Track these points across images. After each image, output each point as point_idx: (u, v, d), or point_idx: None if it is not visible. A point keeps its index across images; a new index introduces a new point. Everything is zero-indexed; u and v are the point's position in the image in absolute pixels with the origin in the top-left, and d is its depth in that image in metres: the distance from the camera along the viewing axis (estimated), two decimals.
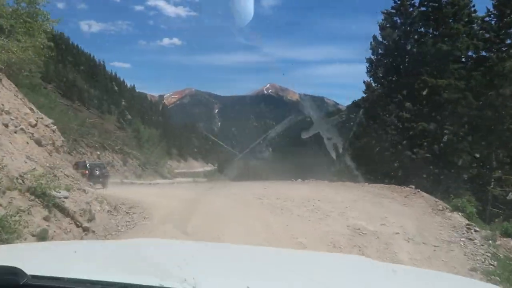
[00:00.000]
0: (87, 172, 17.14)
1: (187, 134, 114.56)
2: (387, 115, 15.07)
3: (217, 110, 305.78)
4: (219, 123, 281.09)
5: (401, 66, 16.00)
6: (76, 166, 18.17)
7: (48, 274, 1.04)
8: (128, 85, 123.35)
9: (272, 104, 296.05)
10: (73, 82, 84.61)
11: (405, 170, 14.81)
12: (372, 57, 16.72)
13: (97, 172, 17.63)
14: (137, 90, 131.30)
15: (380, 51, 16.50)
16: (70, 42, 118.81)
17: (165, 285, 0.95)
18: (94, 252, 1.65)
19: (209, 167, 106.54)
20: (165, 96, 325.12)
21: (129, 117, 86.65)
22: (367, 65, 16.64)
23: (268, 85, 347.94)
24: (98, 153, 46.26)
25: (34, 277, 0.99)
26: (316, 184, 14.32)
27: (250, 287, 0.99)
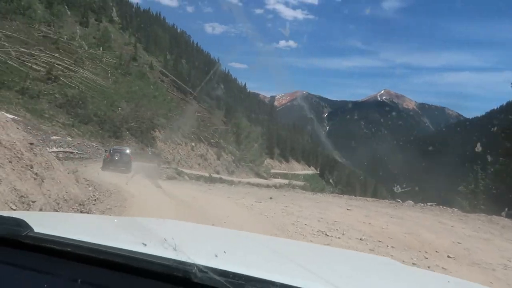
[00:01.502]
0: (108, 156, 18.17)
1: (293, 136, 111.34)
2: None
3: (326, 114, 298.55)
4: (328, 127, 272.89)
5: None
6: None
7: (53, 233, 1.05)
8: (241, 84, 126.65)
9: (386, 111, 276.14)
10: (188, 78, 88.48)
11: None
12: None
13: (116, 158, 17.96)
14: (251, 91, 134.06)
15: None
16: (191, 41, 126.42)
17: (148, 246, 0.98)
18: (99, 222, 1.73)
19: (310, 170, 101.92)
20: (276, 97, 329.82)
21: (236, 113, 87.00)
22: None
23: (382, 91, 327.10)
24: (193, 144, 45.41)
25: (37, 232, 1.00)
26: (438, 213, 8.59)
27: (227, 251, 1.00)
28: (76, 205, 6.06)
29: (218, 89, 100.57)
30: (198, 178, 26.96)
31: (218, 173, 43.93)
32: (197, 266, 0.84)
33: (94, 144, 26.36)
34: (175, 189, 10.60)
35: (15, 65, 34.25)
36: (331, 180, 64.08)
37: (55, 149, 23.37)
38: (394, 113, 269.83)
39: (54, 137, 25.14)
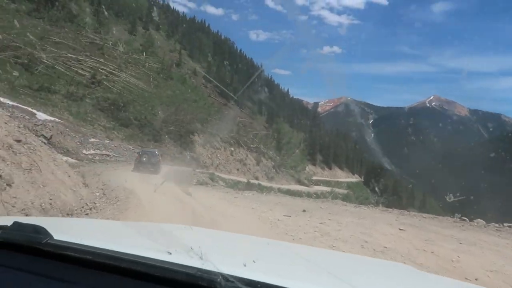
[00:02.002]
0: (138, 158, 18.35)
1: (336, 142, 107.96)
2: None
3: (371, 121, 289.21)
4: (372, 134, 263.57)
5: None
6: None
7: (71, 240, 1.04)
8: (284, 90, 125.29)
9: (436, 117, 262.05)
10: (230, 83, 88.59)
11: None
12: None
13: (144, 159, 18.00)
14: (295, 97, 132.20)
15: None
16: (234, 47, 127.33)
17: (172, 254, 0.98)
18: (117, 229, 1.72)
19: (354, 178, 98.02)
20: (319, 104, 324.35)
21: (278, 119, 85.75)
22: None
23: (432, 97, 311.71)
24: (232, 149, 44.60)
25: (58, 240, 1.00)
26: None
27: (256, 260, 1.02)
28: (60, 215, 4.95)
29: (260, 94, 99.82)
30: (235, 184, 25.82)
31: (257, 178, 42.70)
32: (222, 275, 0.81)
33: (131, 147, 26.14)
34: (196, 197, 9.41)
35: (62, 69, 35.35)
36: (377, 189, 60.56)
37: (92, 152, 23.30)
38: (444, 120, 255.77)
39: (92, 140, 25.18)
